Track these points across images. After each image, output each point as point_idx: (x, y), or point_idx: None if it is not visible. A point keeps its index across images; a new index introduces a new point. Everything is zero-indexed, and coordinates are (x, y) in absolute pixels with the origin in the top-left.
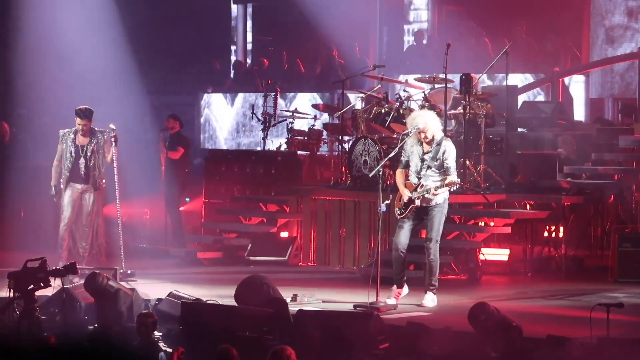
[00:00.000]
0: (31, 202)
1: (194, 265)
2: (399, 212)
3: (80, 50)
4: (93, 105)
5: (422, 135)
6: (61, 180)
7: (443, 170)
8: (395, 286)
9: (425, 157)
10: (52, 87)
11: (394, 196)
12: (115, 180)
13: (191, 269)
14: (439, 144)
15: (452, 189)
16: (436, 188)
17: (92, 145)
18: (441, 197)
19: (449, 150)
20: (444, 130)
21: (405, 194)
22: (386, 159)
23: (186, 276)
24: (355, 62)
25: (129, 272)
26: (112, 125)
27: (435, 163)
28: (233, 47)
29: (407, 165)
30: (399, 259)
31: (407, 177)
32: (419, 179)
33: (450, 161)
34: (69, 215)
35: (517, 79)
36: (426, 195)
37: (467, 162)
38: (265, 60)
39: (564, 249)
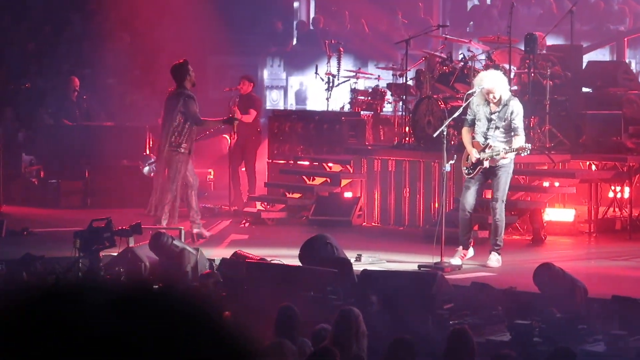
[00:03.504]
0: (95, 162)
1: (258, 225)
2: (466, 171)
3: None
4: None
5: (490, 95)
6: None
7: (511, 130)
8: (461, 247)
9: (493, 117)
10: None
11: (458, 156)
12: None
13: (255, 229)
14: (506, 104)
15: (522, 154)
16: (506, 152)
17: None
18: (508, 158)
19: (517, 110)
20: (511, 90)
21: (474, 155)
22: (450, 118)
23: (250, 236)
24: (420, 21)
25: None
26: None
27: (503, 123)
28: (296, 4)
29: (472, 124)
30: (465, 219)
31: (473, 135)
32: (486, 139)
33: (518, 121)
34: None
35: (583, 39)
36: (494, 157)
37: (532, 122)
38: (322, 18)
39: (630, 209)
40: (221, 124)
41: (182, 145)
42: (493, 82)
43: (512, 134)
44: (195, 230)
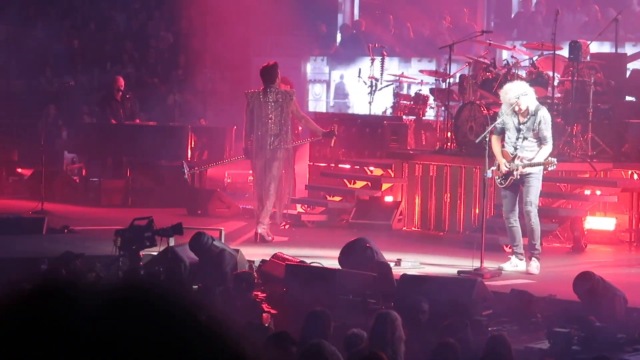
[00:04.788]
0: (137, 161)
1: (298, 227)
2: (499, 181)
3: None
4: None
5: (517, 107)
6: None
7: (539, 139)
8: (513, 255)
9: (522, 127)
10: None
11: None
12: None
13: (295, 231)
14: (534, 114)
15: (549, 168)
16: (532, 164)
17: None
18: (538, 167)
19: (545, 120)
20: (540, 99)
21: (503, 166)
22: (493, 125)
23: (290, 238)
24: (463, 27)
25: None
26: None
27: (531, 133)
28: (340, 12)
29: (502, 132)
30: (510, 228)
31: (502, 144)
32: (515, 149)
33: (547, 131)
34: None
35: (627, 48)
36: (522, 167)
37: (574, 129)
38: (364, 22)
39: None
40: (321, 134)
41: (291, 143)
42: (518, 94)
43: (541, 143)
44: (260, 231)
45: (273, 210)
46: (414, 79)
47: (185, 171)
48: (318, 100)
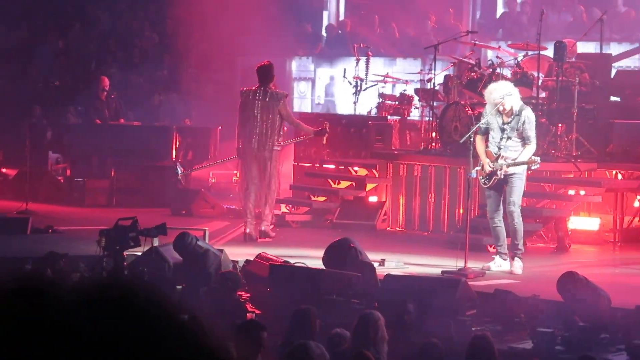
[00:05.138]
0: (122, 161)
1: (282, 227)
2: (483, 181)
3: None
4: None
5: (501, 107)
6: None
7: (523, 139)
8: (497, 255)
9: (506, 127)
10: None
11: (477, 164)
12: None
13: (279, 231)
14: (518, 114)
15: (533, 167)
16: (516, 164)
17: None
18: (521, 166)
19: (530, 119)
20: (525, 99)
21: (487, 166)
22: (477, 125)
23: (274, 238)
24: (449, 27)
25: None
26: None
27: (515, 133)
28: (326, 11)
29: (486, 132)
30: (495, 228)
31: (486, 144)
32: (499, 149)
33: (530, 130)
34: None
35: (612, 48)
36: (506, 167)
37: (559, 129)
38: (349, 22)
39: None
40: (312, 133)
41: (280, 144)
42: (502, 94)
43: (525, 143)
44: (263, 227)
45: (257, 210)
46: (399, 79)
47: (179, 172)
48: (303, 98)
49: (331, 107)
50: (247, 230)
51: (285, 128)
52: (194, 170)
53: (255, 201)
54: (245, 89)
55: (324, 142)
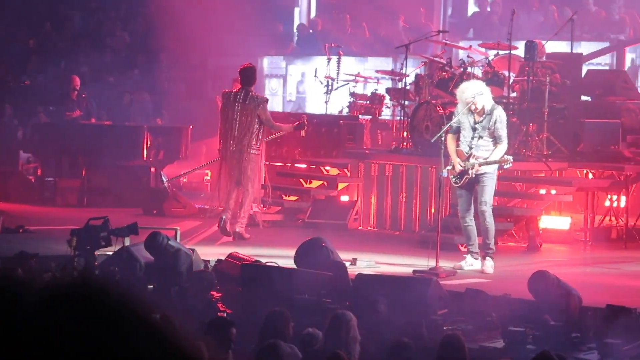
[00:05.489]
0: (93, 161)
1: (254, 227)
2: (454, 180)
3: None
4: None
5: (473, 106)
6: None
7: (494, 138)
8: (469, 255)
9: (477, 126)
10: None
11: (448, 164)
12: None
13: (251, 230)
14: (489, 114)
15: (505, 166)
16: (488, 163)
17: None
18: (492, 166)
19: (501, 119)
20: (496, 98)
21: (457, 166)
22: (448, 124)
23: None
24: (420, 26)
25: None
26: None
27: (487, 132)
28: (297, 10)
29: (457, 131)
30: (466, 227)
31: (457, 143)
32: (471, 148)
33: (502, 130)
34: None
35: (583, 47)
36: (478, 166)
37: (530, 129)
38: (320, 21)
39: (626, 219)
40: (292, 129)
41: (258, 147)
42: (474, 93)
43: (496, 142)
44: (237, 229)
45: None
46: (370, 78)
47: (164, 180)
48: (274, 95)
49: (302, 104)
50: (223, 224)
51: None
52: (180, 177)
53: (234, 201)
54: (226, 90)
55: (303, 134)
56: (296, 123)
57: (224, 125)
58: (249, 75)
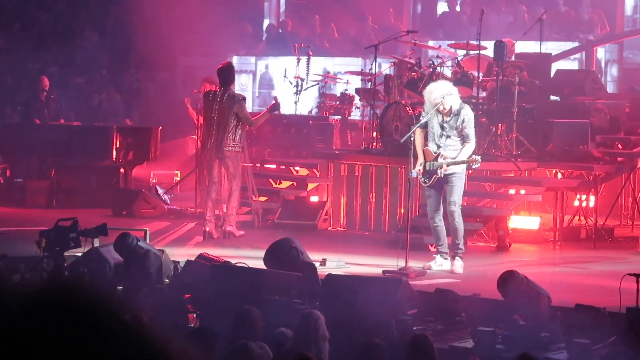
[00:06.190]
0: (62, 162)
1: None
2: (422, 180)
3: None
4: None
5: (441, 107)
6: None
7: (462, 138)
8: (438, 255)
9: (445, 125)
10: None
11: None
12: None
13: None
14: (457, 114)
15: (473, 166)
16: (456, 163)
17: None
18: (461, 166)
19: (469, 118)
20: (465, 99)
21: (419, 164)
22: (417, 124)
23: (216, 239)
24: (389, 27)
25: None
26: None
27: (455, 132)
28: (266, 7)
29: (425, 126)
30: (435, 227)
31: (426, 143)
32: (439, 147)
33: (469, 129)
34: None
35: (552, 47)
36: (446, 166)
37: (499, 129)
38: (289, 22)
39: (595, 218)
40: (269, 114)
41: (238, 145)
42: (442, 94)
43: (464, 141)
44: (228, 229)
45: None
46: (340, 79)
47: (161, 194)
48: (244, 91)
49: (269, 99)
50: (207, 229)
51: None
52: (175, 186)
53: (215, 201)
54: (207, 90)
55: (279, 113)
56: (270, 106)
57: (205, 125)
58: (226, 75)
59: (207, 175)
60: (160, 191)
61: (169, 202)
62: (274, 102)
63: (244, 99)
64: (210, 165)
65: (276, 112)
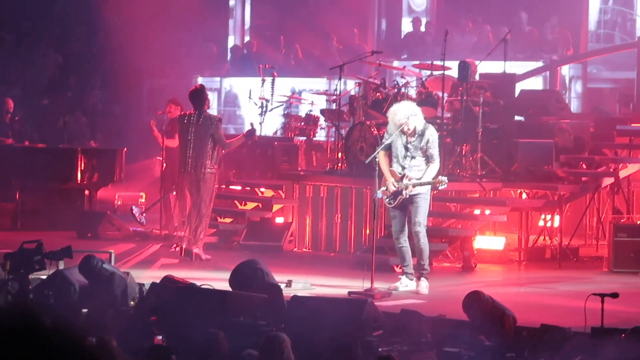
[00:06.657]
0: (27, 184)
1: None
2: (387, 201)
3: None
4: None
5: (405, 127)
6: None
7: (427, 158)
8: (403, 275)
9: (409, 146)
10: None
11: (383, 184)
12: None
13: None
14: (422, 134)
15: (440, 187)
16: (422, 184)
17: None
18: (425, 186)
19: (433, 138)
20: (430, 119)
21: (391, 186)
22: (383, 145)
23: (181, 260)
24: (354, 47)
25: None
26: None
27: (420, 152)
28: (231, 25)
29: (389, 148)
30: (400, 248)
31: (391, 163)
32: (404, 168)
33: (434, 149)
34: None
35: (517, 67)
36: (411, 187)
37: (463, 149)
38: (255, 43)
39: (560, 238)
40: (244, 139)
41: (214, 167)
42: (406, 115)
43: (428, 161)
44: (195, 251)
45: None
46: (305, 99)
47: (137, 215)
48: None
49: (234, 118)
50: (184, 246)
51: (223, 151)
52: (151, 207)
53: (188, 222)
54: (181, 113)
55: (256, 139)
56: (245, 132)
57: (181, 148)
58: (198, 97)
59: (183, 197)
60: (136, 211)
61: (144, 223)
62: (250, 127)
63: (219, 120)
64: (185, 187)
65: (252, 137)
